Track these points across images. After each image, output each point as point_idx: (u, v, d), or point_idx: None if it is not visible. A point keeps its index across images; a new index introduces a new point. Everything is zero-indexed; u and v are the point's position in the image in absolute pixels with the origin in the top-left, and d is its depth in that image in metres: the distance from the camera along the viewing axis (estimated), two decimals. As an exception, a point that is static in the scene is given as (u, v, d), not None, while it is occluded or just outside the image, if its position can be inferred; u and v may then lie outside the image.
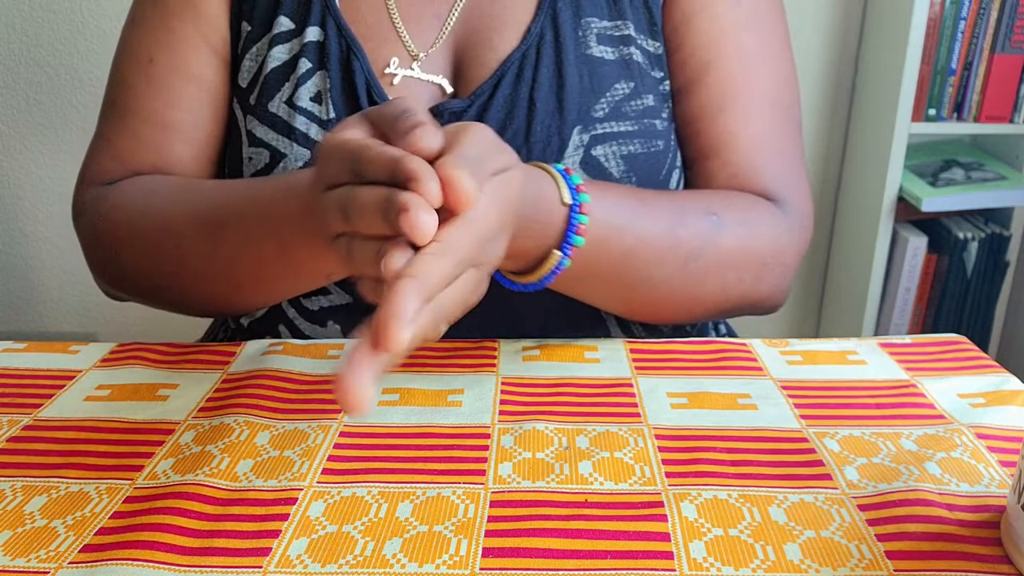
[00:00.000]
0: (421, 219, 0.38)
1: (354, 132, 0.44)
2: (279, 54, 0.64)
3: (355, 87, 0.63)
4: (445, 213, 0.40)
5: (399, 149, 0.41)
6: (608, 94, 0.63)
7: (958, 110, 1.59)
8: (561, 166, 0.54)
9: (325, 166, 0.44)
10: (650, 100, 0.64)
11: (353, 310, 0.64)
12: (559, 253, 0.53)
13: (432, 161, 0.41)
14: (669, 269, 0.58)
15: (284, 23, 0.65)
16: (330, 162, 0.44)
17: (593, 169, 0.62)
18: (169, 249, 0.60)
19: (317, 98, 0.63)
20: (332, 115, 0.62)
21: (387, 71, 0.64)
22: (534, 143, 0.62)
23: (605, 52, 0.64)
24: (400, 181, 0.40)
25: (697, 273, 0.59)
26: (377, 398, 0.53)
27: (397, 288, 0.37)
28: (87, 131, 0.70)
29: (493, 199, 0.43)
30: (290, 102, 0.63)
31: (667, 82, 0.66)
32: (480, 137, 0.44)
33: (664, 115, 0.65)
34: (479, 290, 0.45)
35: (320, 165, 0.45)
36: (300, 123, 0.62)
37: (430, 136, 0.41)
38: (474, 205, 0.40)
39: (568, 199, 0.52)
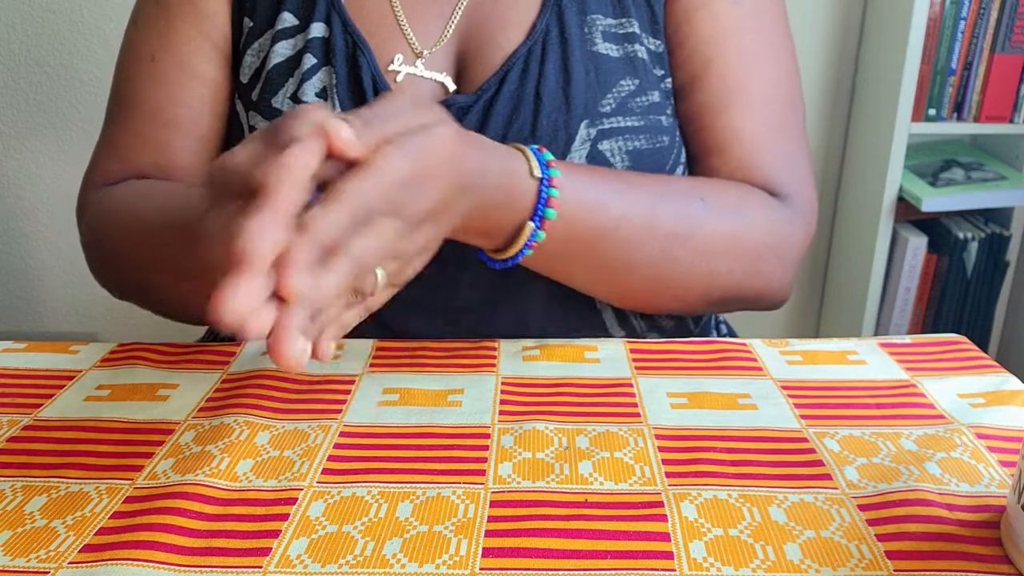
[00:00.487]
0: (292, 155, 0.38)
1: (240, 152, 0.43)
2: (283, 50, 0.64)
3: (362, 83, 0.63)
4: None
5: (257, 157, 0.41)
6: (614, 90, 0.63)
7: (958, 110, 1.59)
8: (534, 146, 0.55)
9: (210, 188, 0.43)
10: (655, 96, 0.64)
11: None
12: (532, 224, 0.54)
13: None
14: (649, 251, 0.59)
15: (288, 19, 0.65)
16: (213, 183, 0.43)
17: (599, 164, 0.62)
18: (157, 257, 0.60)
19: (323, 94, 0.63)
20: (338, 111, 0.62)
21: (391, 68, 0.64)
22: (540, 137, 0.62)
23: (610, 49, 0.64)
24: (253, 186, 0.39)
25: (683, 258, 0.60)
26: (377, 398, 0.53)
27: (294, 241, 0.37)
28: (87, 131, 0.71)
29: (406, 149, 0.43)
30: (294, 98, 0.63)
31: (668, 80, 0.67)
32: (388, 102, 0.44)
33: (668, 111, 0.66)
34: (416, 243, 0.45)
35: (207, 187, 0.44)
36: None
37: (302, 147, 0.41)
38: (359, 152, 0.40)
39: (538, 173, 0.54)
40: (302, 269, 0.37)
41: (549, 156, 0.55)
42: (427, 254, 0.48)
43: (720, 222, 0.60)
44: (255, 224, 0.36)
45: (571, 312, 0.65)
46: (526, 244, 0.55)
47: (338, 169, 0.41)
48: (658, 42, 0.66)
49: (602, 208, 0.57)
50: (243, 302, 0.36)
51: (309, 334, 0.39)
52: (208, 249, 0.42)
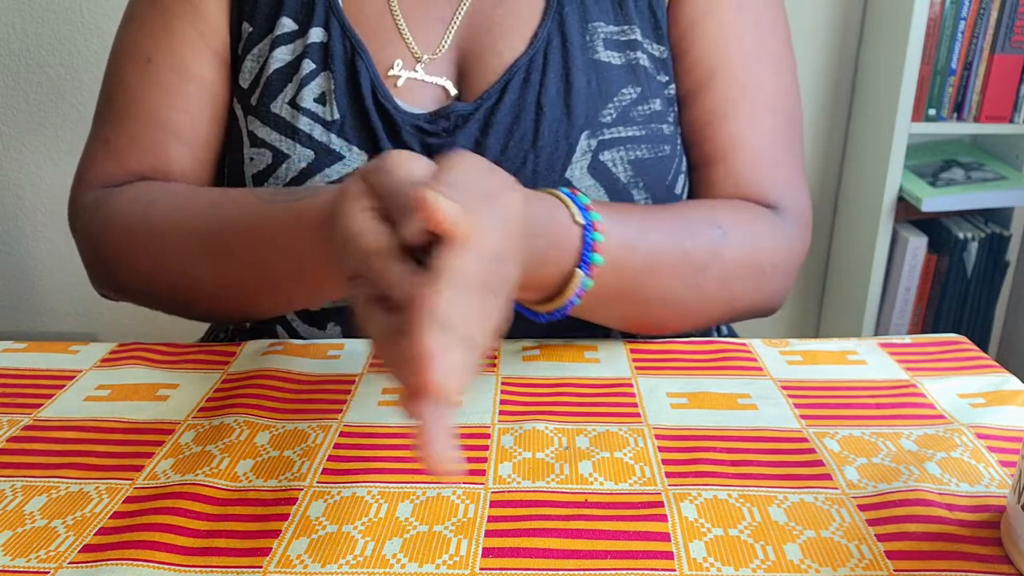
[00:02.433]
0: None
1: (362, 214, 0.42)
2: (281, 55, 0.64)
3: (360, 88, 0.62)
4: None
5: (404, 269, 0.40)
6: (616, 99, 0.63)
7: (958, 110, 1.60)
8: (566, 189, 0.54)
9: (344, 256, 0.43)
10: (657, 104, 0.64)
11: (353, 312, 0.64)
12: (581, 273, 0.52)
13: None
14: (679, 283, 0.58)
15: (287, 24, 0.65)
16: (347, 256, 0.42)
17: (601, 174, 0.62)
18: (172, 264, 0.59)
19: (321, 99, 0.63)
20: (336, 116, 0.62)
21: (391, 73, 0.64)
22: (541, 147, 0.61)
23: (612, 57, 0.64)
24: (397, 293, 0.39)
25: (705, 286, 0.59)
26: (377, 398, 0.53)
27: (420, 336, 0.36)
28: (87, 131, 0.70)
29: (491, 221, 0.41)
30: (293, 103, 0.63)
31: (672, 86, 0.66)
32: (467, 164, 0.43)
33: (670, 119, 0.65)
34: (502, 316, 0.43)
35: (340, 250, 0.43)
36: (303, 124, 0.62)
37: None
38: (461, 229, 0.39)
39: (580, 219, 0.52)
40: (443, 364, 0.35)
41: (586, 200, 0.53)
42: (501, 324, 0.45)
43: (737, 248, 0.60)
44: (434, 434, 0.35)
45: (572, 319, 0.65)
46: (576, 294, 0.53)
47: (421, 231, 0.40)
48: (662, 48, 0.66)
49: (638, 246, 0.55)
50: (447, 447, 0.35)
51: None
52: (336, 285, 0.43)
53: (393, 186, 0.42)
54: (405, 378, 0.36)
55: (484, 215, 0.41)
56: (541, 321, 0.55)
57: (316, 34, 0.64)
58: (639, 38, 0.64)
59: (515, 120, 0.62)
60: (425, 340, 0.35)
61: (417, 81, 0.64)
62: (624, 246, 0.54)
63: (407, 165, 0.42)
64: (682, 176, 0.67)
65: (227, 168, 0.68)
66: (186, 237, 0.58)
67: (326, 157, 0.62)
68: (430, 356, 0.35)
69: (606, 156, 0.62)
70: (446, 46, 0.65)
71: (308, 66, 0.63)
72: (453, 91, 0.64)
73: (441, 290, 0.37)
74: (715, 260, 0.59)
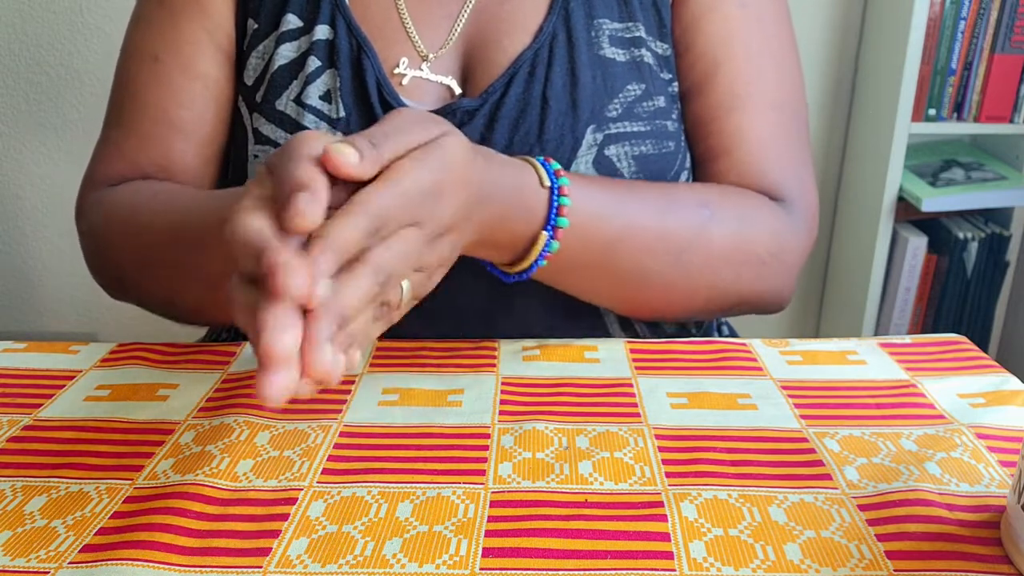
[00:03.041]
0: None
1: (248, 203, 0.41)
2: (287, 52, 0.64)
3: (366, 86, 0.62)
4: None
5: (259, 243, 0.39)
6: (621, 95, 0.63)
7: (958, 110, 1.59)
8: (541, 157, 0.56)
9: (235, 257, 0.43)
10: (661, 101, 0.64)
11: None
12: (546, 234, 0.54)
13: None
14: (660, 260, 0.59)
15: (292, 21, 0.65)
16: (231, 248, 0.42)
17: (605, 169, 0.62)
18: (158, 260, 0.60)
19: (327, 96, 0.63)
20: (342, 114, 0.62)
21: (396, 71, 0.64)
22: (547, 141, 0.62)
23: (617, 54, 0.64)
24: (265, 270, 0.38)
25: (689, 266, 0.59)
26: (377, 398, 0.53)
27: (311, 249, 0.37)
28: (87, 131, 0.70)
29: (421, 161, 0.43)
30: (298, 100, 0.63)
31: (675, 84, 0.66)
32: (394, 117, 0.45)
33: (674, 116, 0.65)
34: (437, 255, 0.46)
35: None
36: (309, 121, 0.62)
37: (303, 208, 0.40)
38: (360, 170, 0.40)
39: (548, 182, 0.54)
40: (324, 275, 0.37)
41: (557, 166, 0.55)
42: (447, 266, 0.48)
43: (726, 229, 0.60)
44: (272, 324, 0.36)
45: (574, 319, 0.65)
46: (540, 255, 0.54)
47: (350, 191, 0.41)
48: (665, 46, 0.66)
49: (612, 216, 0.57)
50: (282, 387, 0.36)
51: (338, 344, 0.39)
52: (229, 295, 0.42)
53: (282, 166, 0.41)
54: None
55: (412, 156, 0.43)
56: (508, 281, 0.57)
57: (322, 31, 0.64)
58: (643, 35, 0.65)
59: (520, 114, 0.62)
60: (313, 258, 0.37)
61: (422, 79, 0.64)
62: (595, 214, 0.56)
63: (310, 143, 0.42)
64: (685, 172, 0.67)
65: (231, 166, 0.68)
66: (168, 231, 0.58)
67: None
68: (316, 271, 0.37)
69: (611, 151, 0.62)
70: (452, 42, 0.65)
71: (313, 63, 0.63)
72: (458, 90, 0.64)
73: (345, 215, 0.39)
74: (699, 240, 0.59)
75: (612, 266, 0.58)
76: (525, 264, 0.55)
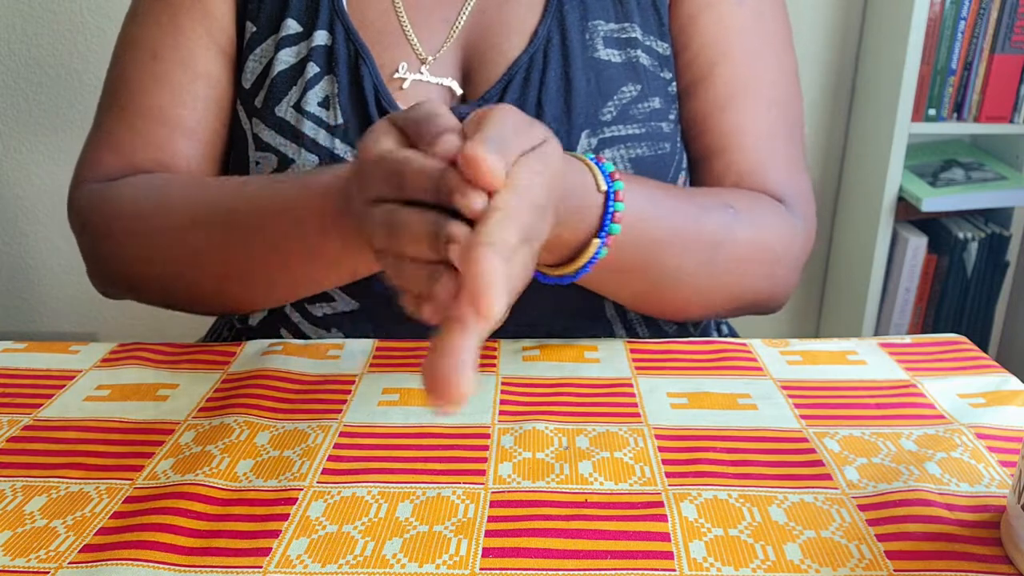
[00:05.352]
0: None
1: (386, 142, 0.43)
2: (286, 57, 0.64)
3: (363, 92, 0.62)
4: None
5: (438, 161, 0.40)
6: (615, 97, 0.63)
7: (958, 110, 1.59)
8: (591, 154, 0.54)
9: (366, 180, 0.43)
10: (656, 103, 0.64)
11: (358, 317, 0.64)
12: (597, 241, 0.52)
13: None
14: (694, 261, 0.58)
15: (292, 25, 0.64)
16: (372, 177, 0.43)
17: None
18: (180, 244, 0.59)
19: (325, 103, 0.62)
20: (340, 120, 0.62)
21: (396, 75, 0.64)
22: None
23: (612, 55, 0.64)
24: (443, 197, 0.39)
25: (718, 265, 0.59)
26: (377, 398, 0.53)
27: (479, 255, 0.35)
28: (87, 131, 0.70)
29: (535, 171, 0.41)
30: (298, 107, 0.62)
31: (675, 83, 0.66)
32: (505, 116, 0.42)
33: (671, 117, 0.65)
34: (530, 270, 0.43)
35: (361, 178, 0.44)
36: (308, 128, 0.62)
37: (456, 140, 0.41)
38: (502, 181, 0.39)
39: (604, 186, 0.51)
40: (502, 289, 0.35)
41: (611, 167, 0.52)
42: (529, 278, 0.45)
43: (748, 229, 0.60)
44: (487, 268, 0.34)
45: (576, 319, 0.65)
46: (589, 261, 0.53)
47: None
48: (665, 45, 0.66)
49: (658, 219, 0.55)
50: (470, 375, 0.34)
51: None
52: (362, 231, 0.42)
53: (420, 117, 0.41)
54: (448, 303, 0.36)
55: (526, 164, 0.41)
56: (548, 284, 0.55)
57: (321, 37, 0.64)
58: (639, 36, 0.65)
59: None
60: (485, 267, 0.35)
61: (422, 83, 0.64)
62: (643, 218, 0.54)
63: (436, 106, 0.42)
64: (683, 173, 0.67)
65: (231, 170, 0.68)
66: (197, 213, 0.58)
67: (330, 162, 0.61)
68: (490, 282, 0.34)
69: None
70: (449, 46, 0.65)
71: (312, 69, 0.63)
72: (459, 91, 0.64)
73: (498, 224, 0.37)
74: (729, 238, 0.59)
75: (651, 268, 0.57)
76: (571, 268, 0.53)
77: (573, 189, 0.50)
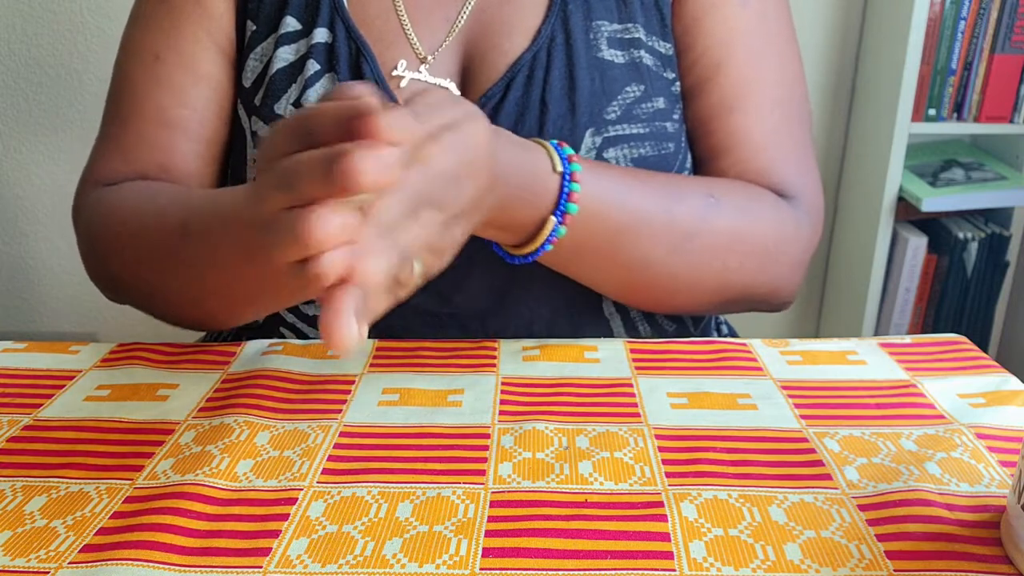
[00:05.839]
0: (359, 162, 0.37)
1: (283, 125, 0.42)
2: (285, 55, 0.64)
3: None
4: None
5: (339, 107, 0.40)
6: (619, 97, 0.63)
7: (958, 110, 1.59)
8: (555, 141, 0.56)
9: (270, 149, 0.42)
10: (660, 103, 0.64)
11: None
12: (554, 219, 0.54)
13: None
14: (666, 249, 0.59)
15: (291, 23, 0.64)
16: (274, 142, 0.42)
17: None
18: (151, 258, 0.58)
19: None
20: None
21: (395, 73, 0.64)
22: None
23: (615, 55, 0.64)
24: (346, 133, 0.39)
25: (694, 254, 0.60)
26: (377, 397, 0.53)
27: (324, 215, 0.37)
28: (87, 131, 0.70)
29: (448, 145, 0.44)
30: (297, 104, 0.62)
31: (678, 83, 0.66)
32: (427, 95, 0.45)
33: (675, 117, 0.65)
34: (450, 238, 0.46)
35: (263, 154, 0.42)
36: None
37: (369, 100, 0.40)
38: (393, 136, 0.39)
39: (560, 167, 0.54)
40: (371, 252, 0.38)
41: (570, 151, 0.55)
42: (456, 249, 0.48)
43: (730, 218, 0.61)
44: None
45: (577, 320, 0.65)
46: (547, 240, 0.55)
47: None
48: (668, 45, 0.66)
49: (621, 204, 0.57)
50: (353, 325, 0.37)
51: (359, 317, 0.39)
52: (258, 225, 0.42)
53: (319, 111, 0.41)
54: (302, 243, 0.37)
55: (440, 138, 0.43)
56: (514, 263, 0.58)
57: (320, 34, 0.64)
58: (642, 36, 0.64)
59: (519, 117, 0.62)
60: (361, 232, 0.38)
61: (420, 82, 0.64)
62: (604, 201, 0.56)
63: (350, 91, 0.41)
64: (686, 173, 0.67)
65: (231, 169, 0.68)
66: (163, 228, 0.57)
67: None
68: (367, 246, 0.38)
69: (610, 154, 0.62)
70: (450, 45, 0.65)
71: (312, 67, 0.63)
72: (456, 92, 0.64)
73: (387, 195, 0.40)
74: (705, 227, 0.60)
75: (618, 253, 0.58)
76: (531, 247, 0.55)
77: (520, 168, 0.52)
